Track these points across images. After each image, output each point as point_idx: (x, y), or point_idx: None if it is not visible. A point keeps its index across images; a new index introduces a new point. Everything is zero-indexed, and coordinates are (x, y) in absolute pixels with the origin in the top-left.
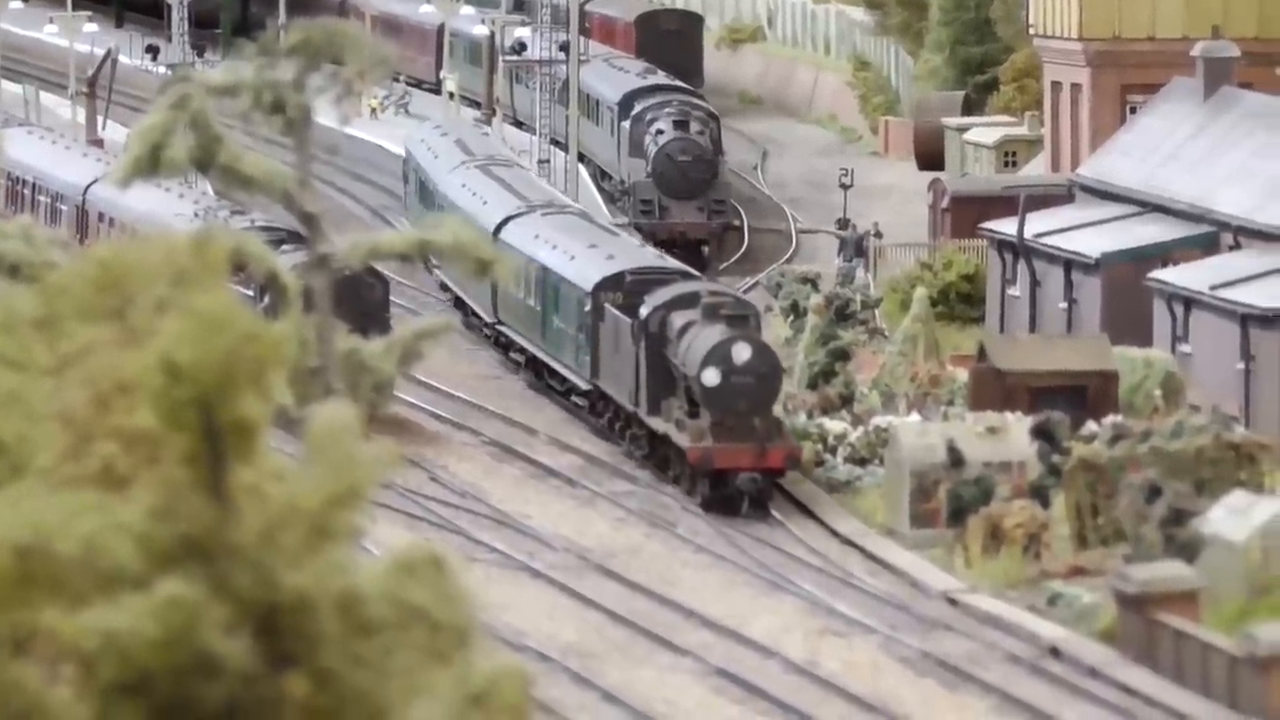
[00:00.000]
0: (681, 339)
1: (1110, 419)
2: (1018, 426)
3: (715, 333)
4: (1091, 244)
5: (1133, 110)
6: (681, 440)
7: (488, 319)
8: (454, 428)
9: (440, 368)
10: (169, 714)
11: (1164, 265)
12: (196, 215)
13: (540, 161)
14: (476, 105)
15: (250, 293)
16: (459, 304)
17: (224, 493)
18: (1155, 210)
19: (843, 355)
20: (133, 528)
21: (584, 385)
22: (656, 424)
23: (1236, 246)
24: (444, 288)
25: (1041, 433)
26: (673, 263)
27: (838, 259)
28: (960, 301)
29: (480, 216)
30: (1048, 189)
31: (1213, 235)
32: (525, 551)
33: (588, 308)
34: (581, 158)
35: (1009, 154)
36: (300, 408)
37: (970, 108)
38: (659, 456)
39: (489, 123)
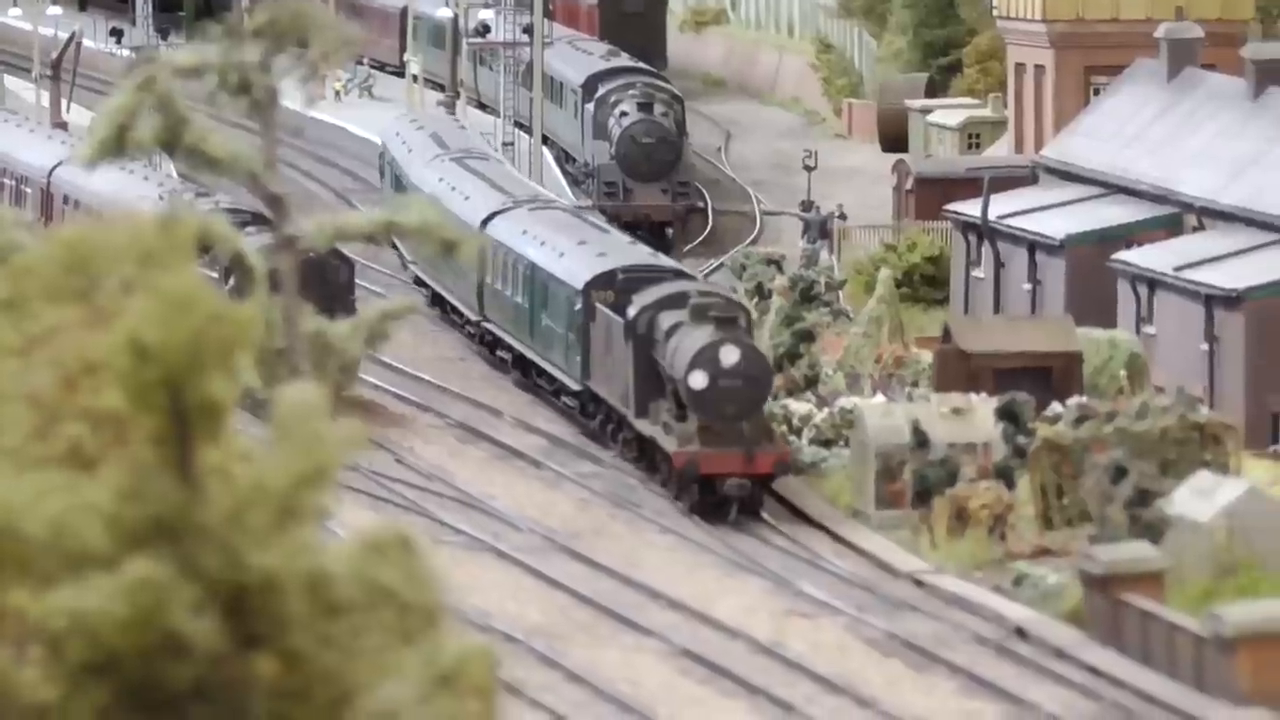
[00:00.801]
0: (669, 340)
1: (1075, 400)
2: (983, 408)
3: (703, 334)
4: (1055, 225)
5: (1096, 92)
6: (668, 444)
7: (473, 316)
8: (419, 409)
9: (405, 350)
10: (137, 695)
11: (1128, 246)
12: (161, 197)
13: (504, 144)
14: (440, 88)
15: (216, 275)
16: (437, 301)
17: (192, 473)
18: (1119, 192)
19: (807, 337)
20: (100, 508)
21: (575, 386)
22: (644, 427)
23: (1200, 228)
24: (419, 283)
25: (1006, 414)
26: (666, 260)
27: (802, 241)
28: (924, 283)
29: (464, 212)
30: (1011, 171)
31: (1176, 216)
32: (490, 533)
33: (578, 306)
34: (546, 140)
35: (973, 136)
36: (267, 389)
37: (934, 90)
38: (648, 460)
39: (453, 106)
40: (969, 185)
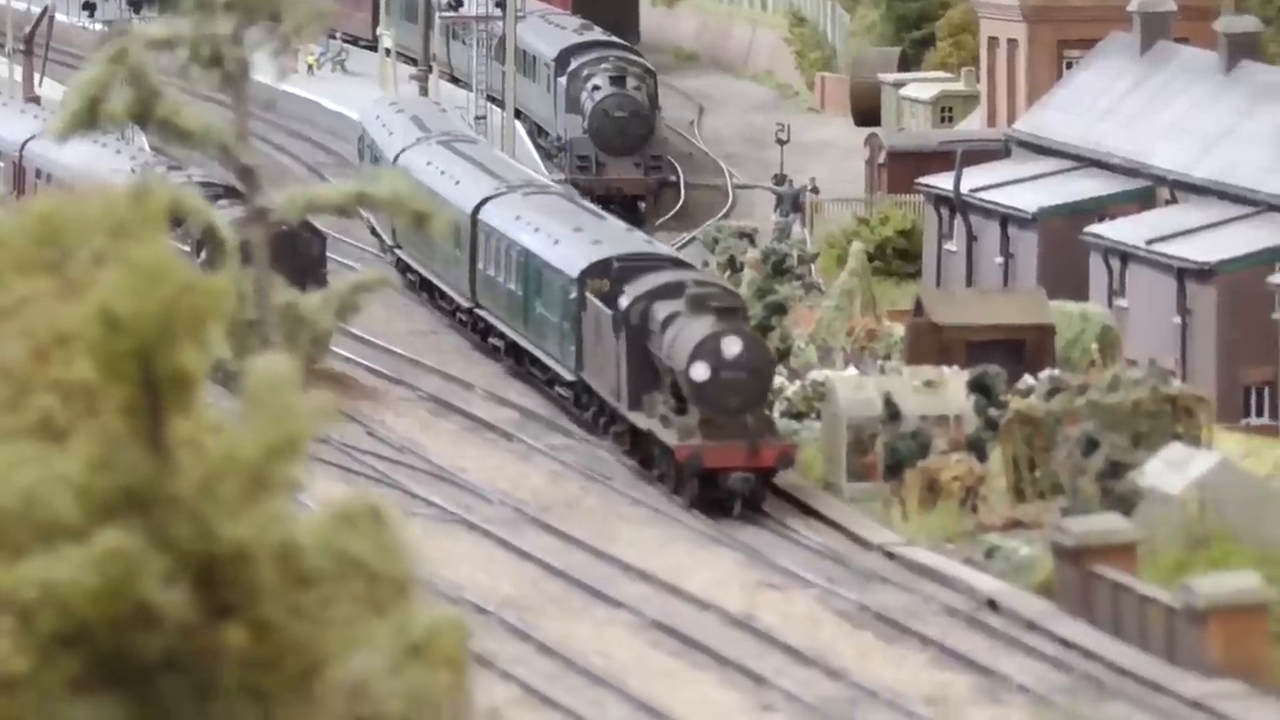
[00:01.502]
0: (666, 331)
1: (1047, 373)
2: (954, 380)
3: (703, 325)
4: (1028, 199)
5: (1069, 65)
6: (668, 438)
7: (464, 303)
8: (391, 382)
9: (377, 323)
10: (108, 665)
11: (1100, 220)
12: (133, 171)
13: (477, 118)
14: (413, 62)
15: (188, 248)
16: (424, 286)
17: (162, 444)
18: (1091, 165)
19: (779, 310)
20: (72, 479)
21: (569, 377)
22: (639, 420)
23: (1173, 201)
24: (404, 268)
25: (978, 386)
26: (662, 248)
27: (774, 214)
28: (897, 257)
29: (455, 198)
30: (984, 144)
31: (1149, 190)
32: (462, 505)
33: (573, 295)
34: (518, 114)
35: (945, 109)
36: (238, 361)
37: (907, 63)
38: (641, 454)
39: (426, 79)
40: (941, 159)
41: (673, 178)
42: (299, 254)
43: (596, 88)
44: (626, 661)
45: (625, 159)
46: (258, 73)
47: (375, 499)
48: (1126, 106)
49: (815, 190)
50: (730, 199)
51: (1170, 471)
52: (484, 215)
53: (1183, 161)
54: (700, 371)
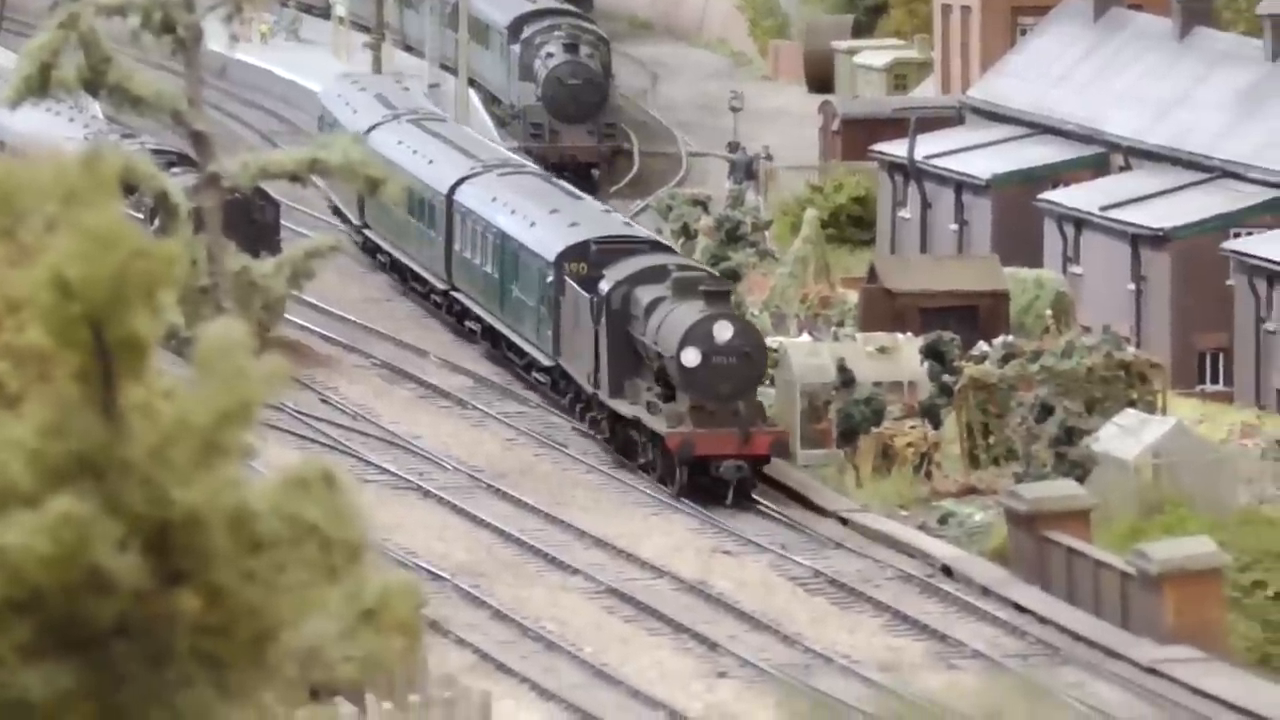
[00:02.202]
0: (650, 316)
1: (1001, 339)
2: (908, 346)
3: (693, 309)
4: (982, 166)
5: (1023, 32)
6: (657, 425)
7: (440, 285)
8: (345, 350)
9: (331, 291)
10: (60, 631)
11: (1054, 186)
12: (86, 138)
13: (430, 86)
14: (366, 30)
15: (141, 217)
16: (395, 267)
17: (115, 410)
18: (1045, 132)
19: (733, 277)
20: (24, 445)
21: (546, 362)
22: (621, 407)
23: (1127, 167)
24: (370, 249)
25: (932, 352)
26: (641, 231)
27: (728, 182)
28: (851, 224)
29: (429, 178)
30: (938, 111)
31: (1103, 156)
32: (416, 472)
33: (550, 279)
34: (472, 82)
35: (899, 77)
36: (191, 327)
37: (860, 31)
38: (621, 440)
39: (379, 48)
40: (895, 126)
41: (626, 145)
42: (253, 221)
43: (550, 55)
44: (581, 628)
45: (579, 126)
46: (210, 40)
47: (328, 464)
48: (1080, 73)
49: (769, 158)
50: (684, 167)
51: (1124, 437)
52: (460, 196)
53: (1137, 128)
54: (691, 357)
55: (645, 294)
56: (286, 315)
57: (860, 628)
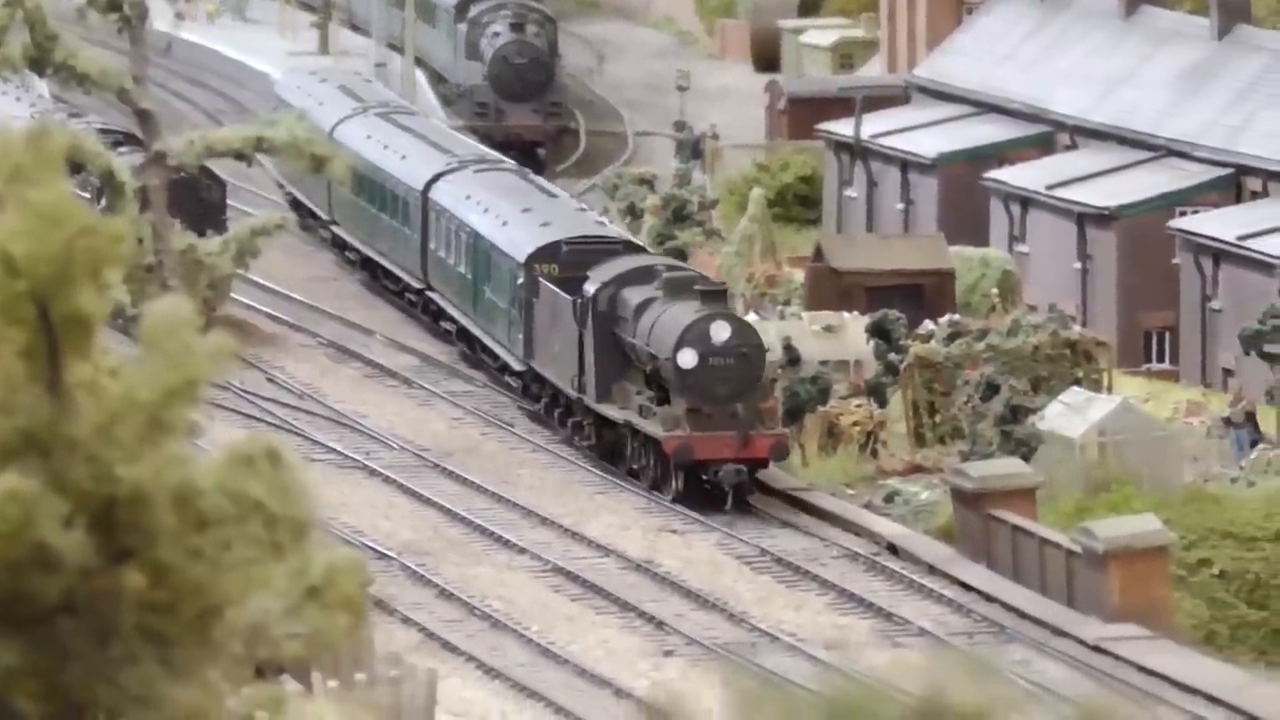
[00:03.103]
0: (640, 318)
1: (947, 317)
2: (854, 325)
3: (688, 310)
4: (928, 144)
5: (969, 11)
6: (652, 429)
7: (415, 284)
8: (291, 329)
9: (277, 270)
10: (5, 608)
11: (1000, 165)
12: (33, 117)
13: (377, 65)
14: (312, 9)
15: (88, 196)
16: (366, 265)
17: (61, 387)
18: (991, 110)
19: (679, 255)
20: None
21: (517, 366)
22: (610, 411)
23: (1072, 146)
24: (339, 244)
25: (878, 331)
26: (614, 230)
27: (675, 161)
28: (797, 203)
29: (403, 174)
30: (884, 90)
31: (1048, 135)
32: (362, 451)
33: (520, 280)
34: (418, 61)
35: (845, 56)
36: (137, 305)
37: (806, 10)
38: (606, 445)
39: (325, 27)
40: (842, 105)
41: (572, 124)
42: (199, 200)
43: (496, 34)
44: (528, 606)
45: (525, 106)
46: (156, 19)
47: (273, 440)
48: (1026, 52)
49: (715, 137)
50: (630, 146)
51: (1070, 415)
52: (435, 194)
53: (1082, 106)
54: (687, 358)
55: (634, 295)
56: (234, 294)
57: (806, 606)
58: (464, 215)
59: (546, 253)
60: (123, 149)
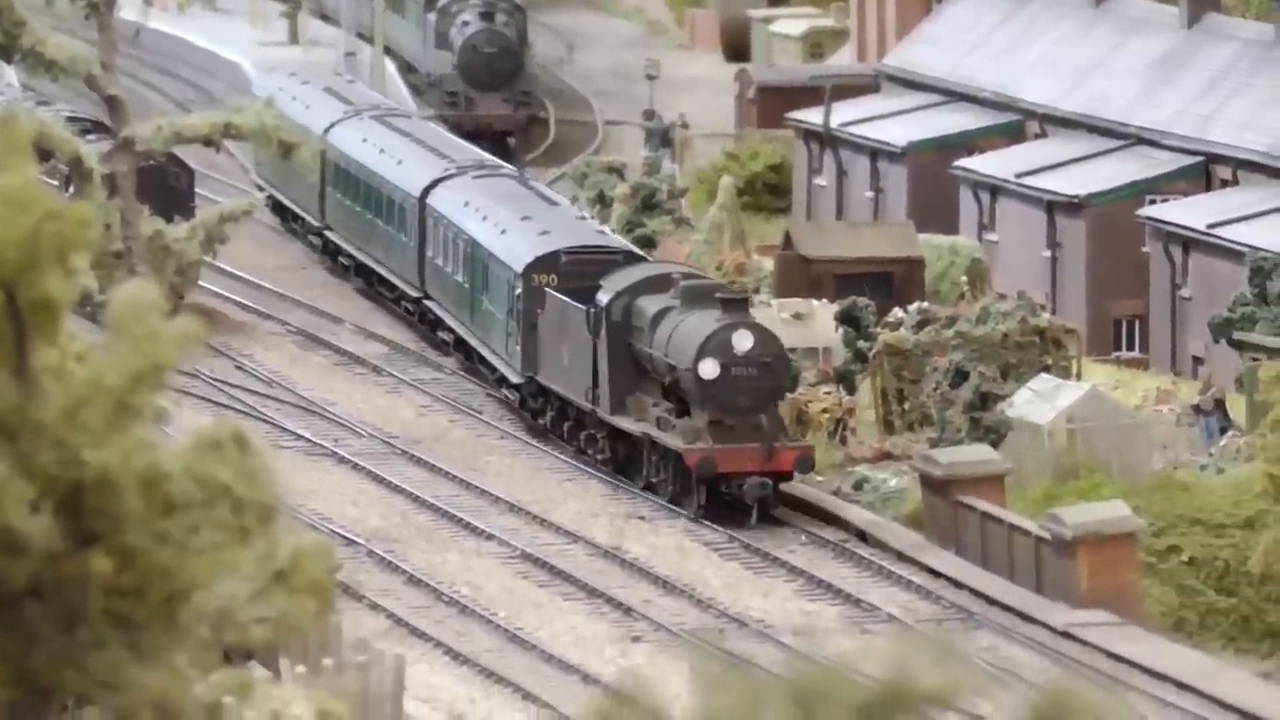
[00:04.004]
0: (658, 327)
1: (916, 305)
2: (823, 312)
3: (708, 319)
4: (897, 133)
5: (939, 0)
6: (673, 442)
7: (413, 292)
8: (260, 317)
9: (247, 258)
10: None
11: (970, 154)
12: (0, 104)
13: (346, 55)
14: None
15: (55, 182)
16: (361, 271)
17: (27, 371)
18: (961, 99)
19: (649, 243)
20: None
21: (514, 378)
22: (626, 424)
23: (1042, 135)
24: (331, 251)
25: (847, 319)
26: (614, 240)
27: (644, 150)
28: (767, 192)
29: (400, 180)
30: (854, 79)
31: (1018, 124)
32: (331, 438)
33: (518, 290)
34: (388, 51)
35: (815, 45)
36: (105, 291)
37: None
38: (621, 459)
39: (295, 16)
40: (811, 94)
41: (542, 114)
42: (167, 187)
43: (466, 24)
44: (495, 593)
45: (494, 95)
46: (124, 7)
47: (240, 425)
48: (996, 41)
49: (685, 125)
50: (600, 135)
51: (1039, 402)
52: (433, 200)
53: (1052, 95)
54: (709, 369)
55: (650, 304)
56: (202, 282)
57: (774, 593)
58: (461, 223)
59: (545, 262)
60: (90, 137)
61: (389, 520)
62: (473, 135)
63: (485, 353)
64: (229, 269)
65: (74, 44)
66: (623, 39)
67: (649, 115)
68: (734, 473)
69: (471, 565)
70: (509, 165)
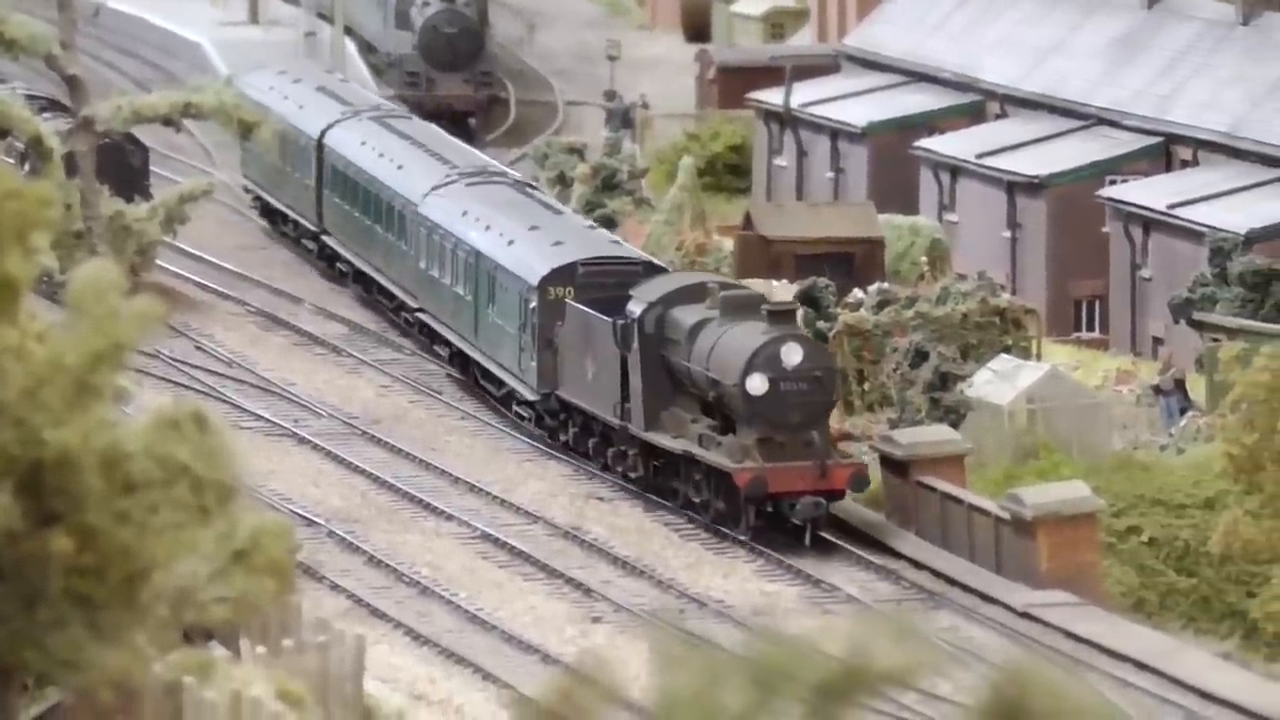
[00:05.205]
0: (696, 340)
1: (876, 285)
2: (783, 292)
3: (754, 331)
4: (858, 113)
5: None
6: (720, 461)
7: (412, 303)
8: (220, 297)
9: (207, 239)
10: None
11: (930, 134)
12: None
13: (307, 34)
14: None
15: (12, 161)
16: (359, 278)
17: None
18: (921, 80)
19: (609, 224)
20: None
21: (530, 395)
22: (663, 440)
23: (1003, 115)
24: (328, 257)
25: (807, 299)
26: (632, 250)
27: (605, 130)
28: (728, 172)
29: (400, 185)
30: (814, 59)
31: (978, 104)
32: (291, 419)
33: (533, 304)
34: (348, 31)
35: (776, 26)
36: (65, 271)
37: None
38: (654, 476)
39: None
40: (772, 74)
41: (503, 94)
42: (124, 165)
43: (426, 4)
44: (455, 573)
45: (455, 75)
46: None
47: (199, 405)
48: (956, 21)
49: (645, 106)
50: (560, 115)
51: (999, 383)
52: (426, 208)
53: (1012, 75)
54: (757, 384)
55: (686, 316)
56: (163, 262)
57: (734, 573)
58: (462, 233)
59: (562, 274)
60: (48, 115)
61: (349, 501)
62: (433, 115)
63: (493, 368)
64: (190, 249)
65: (34, 22)
66: (584, 19)
67: (610, 96)
68: (785, 492)
69: (432, 546)
70: (511, 171)
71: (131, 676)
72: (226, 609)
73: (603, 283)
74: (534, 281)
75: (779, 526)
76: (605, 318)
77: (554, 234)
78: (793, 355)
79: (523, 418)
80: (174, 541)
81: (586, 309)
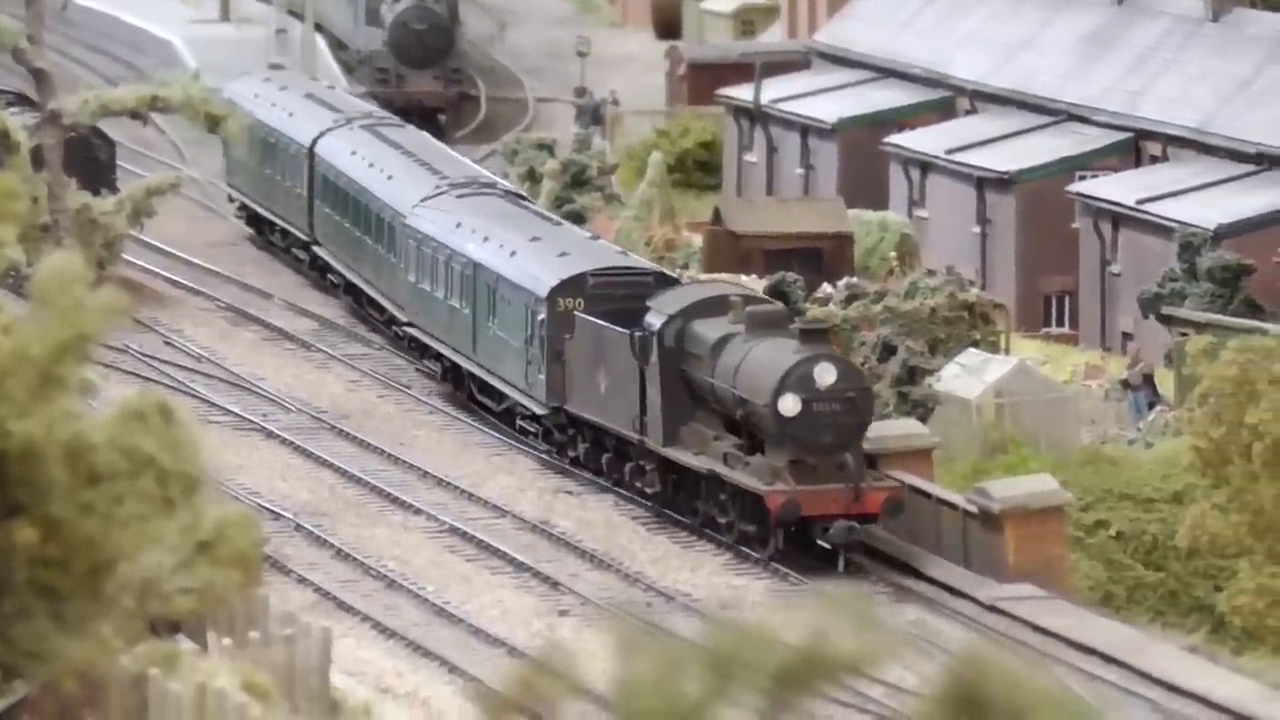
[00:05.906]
0: (720, 356)
1: (845, 280)
2: (752, 288)
3: (784, 349)
4: (827, 109)
5: None
6: (750, 483)
7: (402, 317)
8: (189, 293)
9: (176, 234)
10: None
11: (900, 130)
12: None
13: (278, 31)
14: None
15: None
16: (350, 290)
17: None
18: (891, 76)
19: (578, 219)
20: None
21: (538, 410)
22: (685, 458)
23: (972, 111)
24: (320, 267)
25: (776, 294)
26: (641, 261)
27: (575, 126)
28: (698, 169)
29: (389, 197)
30: (785, 56)
31: (948, 100)
32: (260, 413)
33: (541, 316)
34: (318, 28)
35: (746, 22)
36: (33, 264)
37: None
38: (669, 496)
39: None
40: (742, 71)
41: (473, 91)
42: (90, 159)
43: (396, 0)
44: (423, 567)
45: (425, 72)
46: None
47: (164, 397)
48: (926, 17)
49: (615, 102)
50: (531, 112)
51: (967, 377)
52: (415, 220)
53: (982, 71)
54: (790, 404)
55: (708, 330)
56: (133, 258)
57: (702, 566)
58: (456, 245)
59: (572, 285)
60: (14, 109)
61: (317, 495)
62: (403, 112)
63: (496, 384)
64: (159, 245)
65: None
66: (554, 16)
67: (580, 92)
68: (818, 516)
69: (400, 539)
70: (502, 181)
71: (97, 668)
72: (191, 600)
73: (613, 294)
74: (542, 293)
75: (807, 550)
76: (621, 329)
77: (557, 245)
78: (826, 375)
79: (528, 433)
80: (139, 533)
81: (600, 320)
